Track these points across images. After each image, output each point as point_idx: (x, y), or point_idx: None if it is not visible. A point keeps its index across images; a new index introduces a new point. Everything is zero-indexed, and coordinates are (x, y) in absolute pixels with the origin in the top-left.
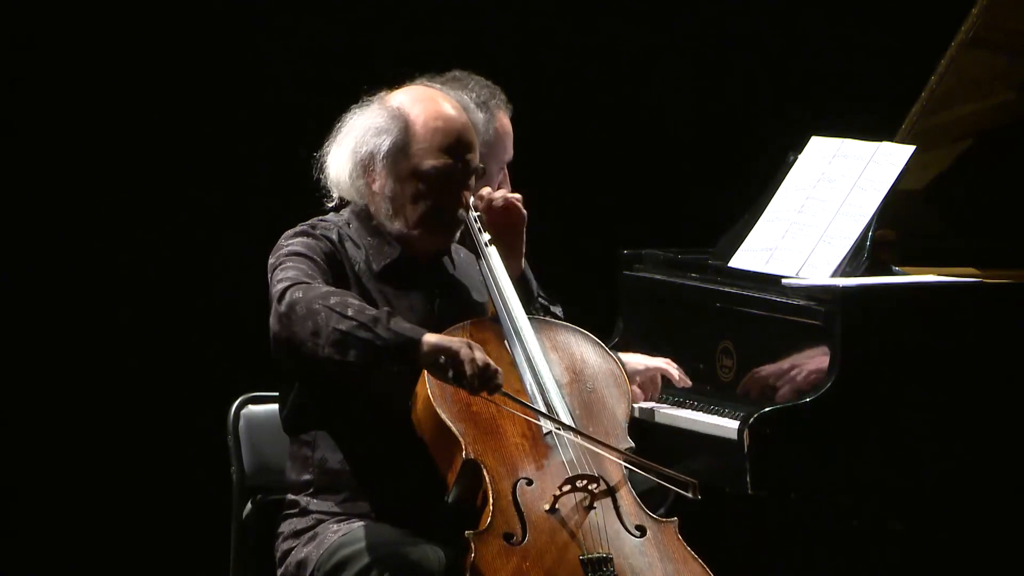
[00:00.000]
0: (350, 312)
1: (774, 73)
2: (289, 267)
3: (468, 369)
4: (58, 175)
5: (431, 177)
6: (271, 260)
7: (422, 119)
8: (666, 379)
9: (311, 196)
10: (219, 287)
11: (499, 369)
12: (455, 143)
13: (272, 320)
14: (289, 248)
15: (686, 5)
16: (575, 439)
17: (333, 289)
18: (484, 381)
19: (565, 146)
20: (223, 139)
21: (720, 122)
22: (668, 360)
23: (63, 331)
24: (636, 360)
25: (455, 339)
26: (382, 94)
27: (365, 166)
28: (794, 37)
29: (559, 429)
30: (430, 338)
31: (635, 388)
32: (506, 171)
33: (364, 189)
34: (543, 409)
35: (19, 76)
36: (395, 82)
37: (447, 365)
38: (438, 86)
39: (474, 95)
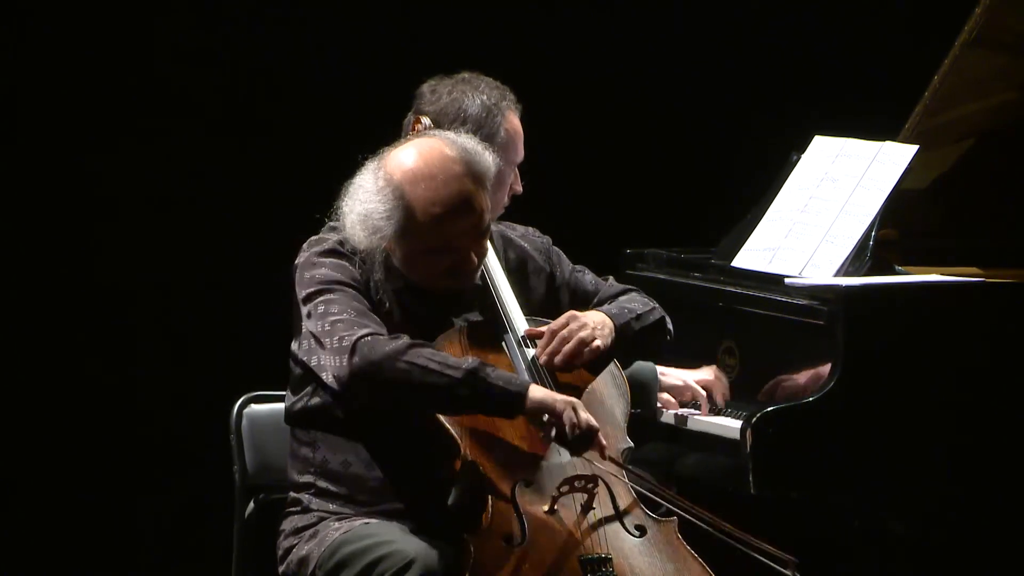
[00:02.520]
0: (441, 368)
1: (777, 73)
2: (335, 301)
3: (570, 433)
4: (61, 175)
5: (439, 252)
6: (303, 276)
7: (421, 206)
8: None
9: (314, 199)
10: (222, 286)
11: (597, 427)
12: (456, 222)
13: (343, 370)
14: (325, 271)
15: (688, 4)
16: (671, 505)
17: (406, 340)
18: (584, 444)
19: (568, 146)
20: (224, 140)
21: (723, 121)
22: (715, 370)
23: (64, 331)
24: (677, 375)
25: (559, 398)
26: (381, 156)
27: (376, 238)
28: (797, 36)
29: (647, 491)
30: (535, 394)
31: (664, 396)
32: (517, 172)
33: (379, 250)
34: None
35: (22, 77)
36: (403, 85)
37: (550, 424)
38: (437, 134)
39: (484, 97)
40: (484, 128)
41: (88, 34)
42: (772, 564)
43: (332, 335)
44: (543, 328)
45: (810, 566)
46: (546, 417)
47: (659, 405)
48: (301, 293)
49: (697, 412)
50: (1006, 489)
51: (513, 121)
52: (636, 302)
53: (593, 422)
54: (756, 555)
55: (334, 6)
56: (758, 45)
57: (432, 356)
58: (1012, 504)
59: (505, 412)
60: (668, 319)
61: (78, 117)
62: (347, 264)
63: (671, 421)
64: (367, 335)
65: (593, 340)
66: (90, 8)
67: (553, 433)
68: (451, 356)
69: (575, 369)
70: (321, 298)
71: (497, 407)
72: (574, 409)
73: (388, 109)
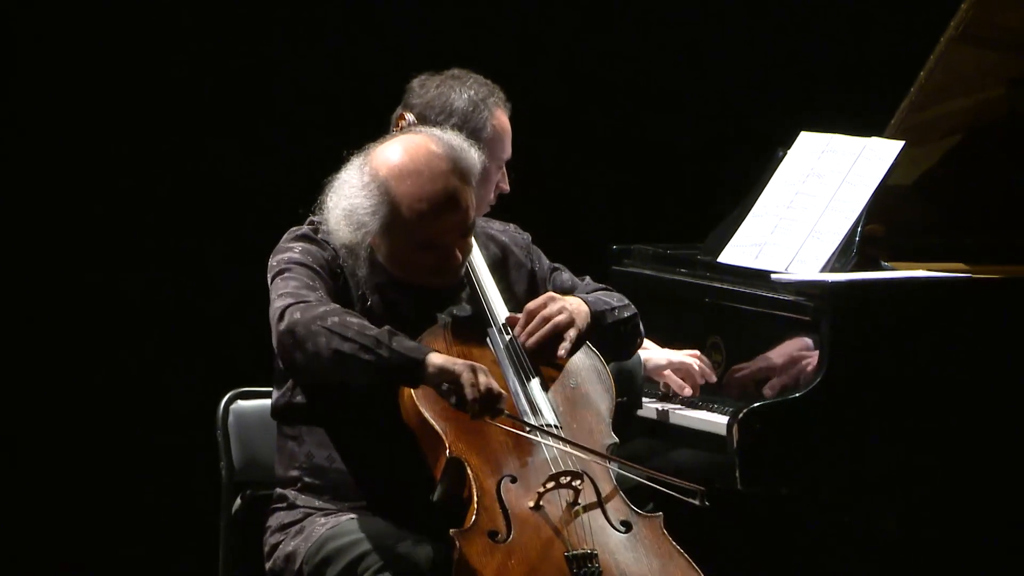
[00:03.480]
0: (350, 333)
1: (763, 69)
2: (289, 278)
3: (470, 394)
4: (55, 173)
5: (424, 248)
6: (271, 261)
7: (407, 202)
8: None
9: (299, 196)
10: (208, 282)
11: (502, 393)
12: (442, 219)
13: (273, 336)
14: (289, 254)
15: (680, 2)
16: (584, 456)
17: (332, 308)
18: (486, 406)
19: (555, 142)
20: (218, 136)
21: (709, 117)
22: (696, 354)
23: (54, 327)
24: (660, 355)
25: (459, 362)
26: (367, 152)
27: (360, 234)
28: (783, 32)
29: (566, 448)
30: (434, 359)
31: (667, 374)
32: (504, 170)
33: (363, 245)
34: (528, 409)
35: (23, 76)
36: (389, 81)
37: (450, 391)
38: (423, 131)
39: (472, 92)
40: (470, 122)
41: (84, 32)
42: (683, 497)
43: (272, 308)
44: (519, 315)
45: (799, 563)
46: (445, 385)
47: (662, 391)
48: (268, 278)
49: (683, 408)
50: (995, 484)
51: (501, 118)
52: (612, 297)
53: (494, 385)
54: (667, 490)
55: (321, 2)
56: (744, 41)
57: (348, 323)
58: (1000, 498)
59: (408, 380)
60: (640, 324)
61: (72, 115)
62: (314, 248)
63: (654, 416)
64: (296, 302)
65: (571, 321)
66: (86, 7)
67: (454, 400)
68: (368, 324)
69: (554, 348)
70: (279, 278)
71: (399, 375)
72: (474, 372)
73: (373, 105)
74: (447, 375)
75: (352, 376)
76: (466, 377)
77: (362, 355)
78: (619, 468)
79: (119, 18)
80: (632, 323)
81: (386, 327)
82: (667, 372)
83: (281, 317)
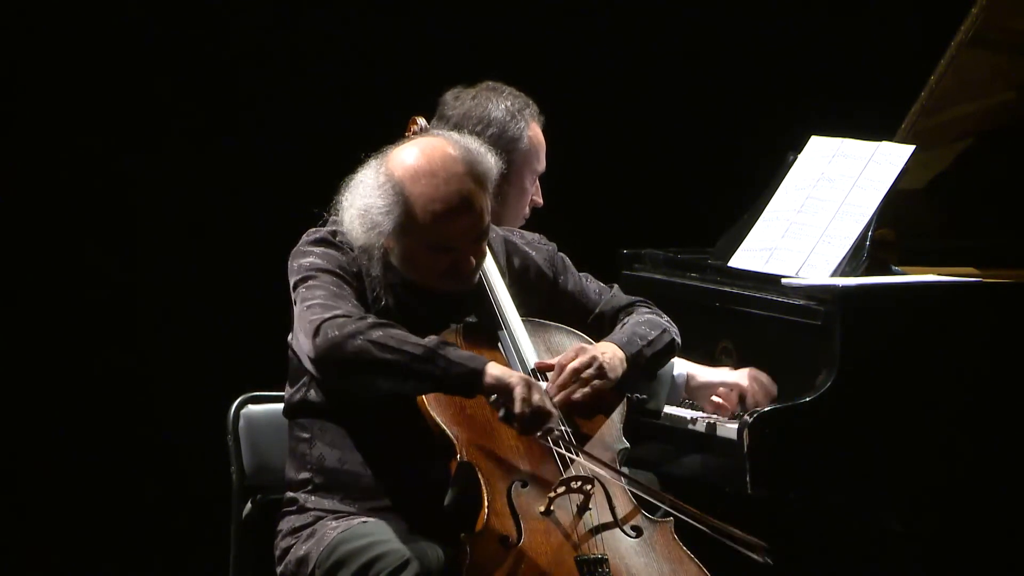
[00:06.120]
0: (404, 346)
1: (774, 73)
2: (315, 286)
3: (518, 408)
4: (69, 175)
5: (437, 250)
6: (292, 265)
7: (421, 203)
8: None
9: (312, 198)
10: (220, 286)
11: (553, 414)
12: (455, 221)
13: (310, 351)
14: (311, 259)
15: (685, 5)
16: (646, 496)
17: (372, 321)
18: (533, 424)
19: (565, 146)
20: (231, 138)
21: (720, 122)
22: (752, 373)
23: (62, 332)
24: (714, 376)
25: (515, 375)
26: (384, 154)
27: (374, 234)
28: (794, 37)
29: (623, 482)
30: (493, 370)
31: (714, 399)
32: (538, 184)
33: (377, 246)
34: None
35: (21, 73)
36: (406, 84)
37: (498, 402)
38: (440, 134)
39: (508, 103)
40: (508, 132)
41: (87, 31)
42: (742, 550)
43: (305, 319)
44: (552, 361)
45: (808, 566)
46: (495, 396)
47: (705, 409)
48: (290, 282)
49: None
50: (1003, 488)
51: (536, 131)
52: (645, 324)
53: (547, 405)
54: (728, 541)
55: (339, 4)
56: (755, 45)
57: (391, 335)
58: (1009, 502)
59: (464, 390)
60: (678, 337)
61: (78, 116)
62: (335, 252)
63: (665, 421)
64: (332, 316)
65: (603, 377)
66: (86, 6)
67: (502, 413)
68: (412, 336)
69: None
70: (303, 285)
71: (456, 384)
72: (528, 387)
73: (390, 108)
74: (501, 386)
75: (403, 387)
76: (519, 391)
77: (417, 366)
78: (680, 513)
79: (135, 18)
80: (668, 349)
81: (435, 337)
82: (719, 391)
83: (317, 332)
